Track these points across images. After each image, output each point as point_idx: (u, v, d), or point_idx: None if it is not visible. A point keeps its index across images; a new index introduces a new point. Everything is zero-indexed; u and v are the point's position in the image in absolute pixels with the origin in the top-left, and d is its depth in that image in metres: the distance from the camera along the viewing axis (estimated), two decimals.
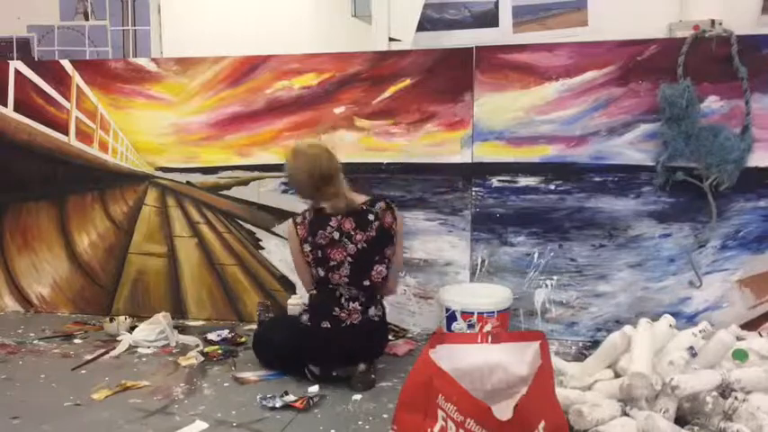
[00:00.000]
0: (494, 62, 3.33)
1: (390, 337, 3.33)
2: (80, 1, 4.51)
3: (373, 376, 2.82)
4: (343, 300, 2.80)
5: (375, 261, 2.81)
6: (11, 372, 3.00)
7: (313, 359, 2.84)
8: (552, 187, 3.33)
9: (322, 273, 2.80)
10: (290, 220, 2.89)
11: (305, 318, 2.86)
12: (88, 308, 3.90)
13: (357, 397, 2.68)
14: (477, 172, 3.38)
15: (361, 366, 2.80)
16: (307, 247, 2.81)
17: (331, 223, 2.78)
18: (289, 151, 2.93)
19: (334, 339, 2.79)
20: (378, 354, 2.94)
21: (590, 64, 3.24)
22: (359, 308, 2.81)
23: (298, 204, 3.59)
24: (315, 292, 2.89)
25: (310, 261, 2.83)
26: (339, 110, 3.49)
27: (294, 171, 2.86)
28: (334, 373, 2.80)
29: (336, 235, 2.77)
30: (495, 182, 3.38)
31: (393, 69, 3.43)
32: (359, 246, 2.78)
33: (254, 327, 3.48)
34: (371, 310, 2.84)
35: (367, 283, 2.80)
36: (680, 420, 2.27)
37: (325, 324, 2.79)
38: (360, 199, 2.85)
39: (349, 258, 2.77)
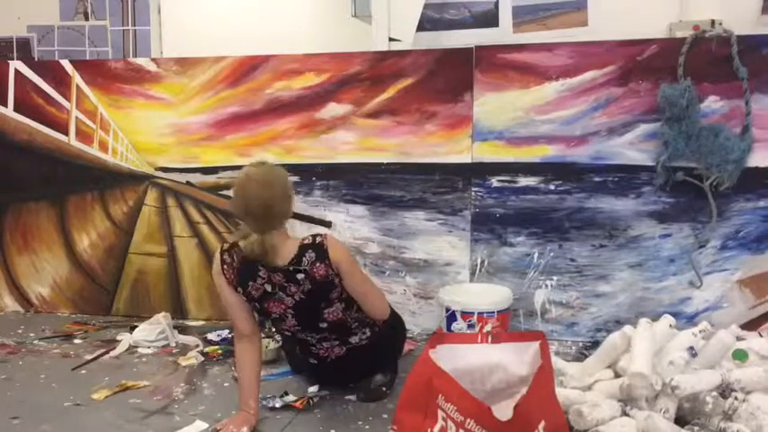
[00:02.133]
0: (494, 62, 3.33)
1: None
2: (80, 1, 4.52)
3: (385, 389, 2.65)
4: (313, 341, 2.60)
5: (322, 308, 2.50)
6: (11, 372, 3.00)
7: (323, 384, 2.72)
8: (552, 187, 3.33)
9: (268, 324, 2.64)
10: (218, 254, 2.50)
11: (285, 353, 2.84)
12: (88, 308, 3.90)
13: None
14: (476, 172, 3.38)
15: (378, 378, 2.64)
16: (241, 296, 2.49)
17: (260, 274, 2.44)
18: (245, 173, 2.45)
19: (331, 371, 2.65)
20: (391, 361, 2.74)
21: (590, 64, 3.24)
22: (336, 343, 2.60)
23: (297, 204, 3.60)
24: (247, 334, 2.51)
25: (250, 308, 2.52)
26: (338, 110, 3.49)
27: (238, 194, 2.43)
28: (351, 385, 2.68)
29: (269, 287, 2.46)
30: (494, 182, 3.38)
31: (393, 69, 3.43)
32: (296, 297, 2.46)
33: None
34: (354, 339, 2.60)
35: (324, 325, 2.53)
36: (680, 420, 2.27)
37: (313, 360, 2.66)
38: (289, 249, 2.44)
39: (290, 311, 2.50)
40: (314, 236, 2.48)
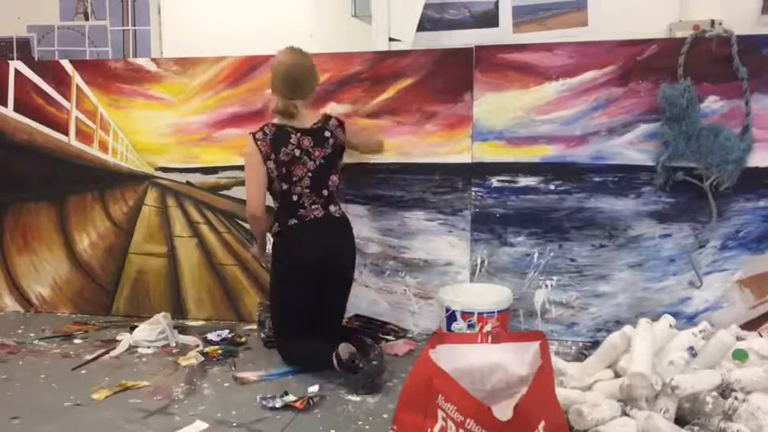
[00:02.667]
0: (494, 62, 3.33)
1: (390, 338, 3.34)
2: (80, 1, 4.52)
3: (376, 380, 2.74)
4: (304, 202, 3.03)
5: (331, 173, 3.09)
6: (11, 372, 3.00)
7: (290, 262, 3.02)
8: (552, 187, 3.33)
9: (285, 186, 3.02)
10: (249, 135, 3.05)
11: (274, 228, 3.10)
12: (88, 308, 3.90)
13: (356, 398, 2.67)
14: (476, 172, 3.38)
15: (350, 349, 2.77)
16: (270, 165, 3.01)
17: (291, 140, 3.01)
18: (281, 50, 3.10)
19: (302, 234, 3.02)
20: (348, 262, 3.13)
21: (590, 64, 3.24)
22: (319, 205, 3.05)
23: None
24: (261, 211, 3.07)
25: (275, 177, 3.01)
26: (338, 110, 3.49)
27: (277, 68, 3.06)
28: (355, 361, 2.73)
29: (297, 152, 3.01)
30: (494, 182, 3.38)
31: (393, 69, 3.43)
32: (317, 162, 3.04)
33: (254, 327, 3.48)
34: (332, 207, 3.09)
35: (325, 192, 3.06)
36: (680, 420, 2.27)
37: (292, 221, 3.03)
38: (314, 118, 3.11)
39: (309, 174, 3.02)
40: (329, 114, 3.20)
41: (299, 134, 3.02)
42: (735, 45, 3.07)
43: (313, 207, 3.04)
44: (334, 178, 3.10)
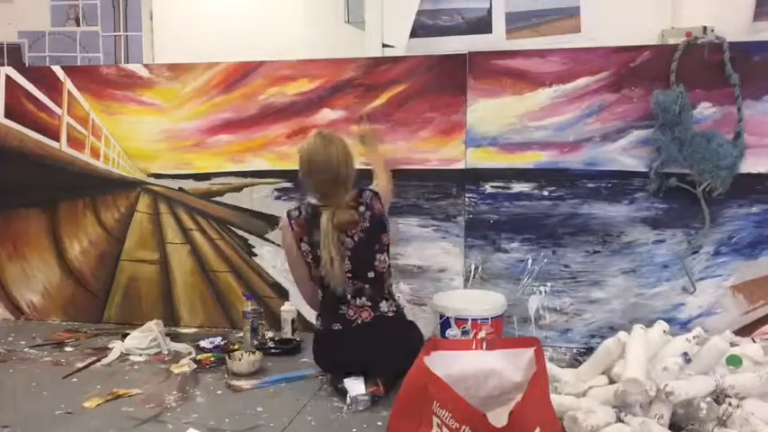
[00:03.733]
0: (487, 68, 3.34)
1: None
2: (71, 7, 4.50)
3: (376, 397, 2.63)
4: (348, 296, 2.79)
5: (375, 250, 2.81)
6: (1, 380, 2.97)
7: (325, 366, 2.88)
8: (546, 193, 3.33)
9: (323, 271, 2.78)
10: (285, 215, 2.90)
11: (317, 323, 2.90)
12: (79, 315, 3.87)
13: (358, 398, 2.64)
14: (470, 178, 3.38)
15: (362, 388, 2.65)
16: (305, 247, 2.83)
17: (323, 219, 2.77)
18: (312, 138, 2.88)
19: (346, 343, 2.78)
20: (396, 366, 2.53)
21: (583, 70, 3.25)
22: (367, 303, 2.79)
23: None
24: (312, 293, 2.93)
25: (310, 261, 2.84)
26: (331, 116, 3.49)
27: (308, 161, 2.84)
28: (340, 386, 2.71)
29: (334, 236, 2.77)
30: (488, 188, 3.38)
31: (386, 75, 3.43)
32: (355, 238, 2.78)
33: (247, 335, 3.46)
34: (383, 305, 2.81)
35: (371, 274, 2.80)
36: (674, 426, 2.27)
37: (336, 326, 2.81)
38: (350, 196, 2.84)
39: (348, 252, 2.78)
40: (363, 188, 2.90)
41: (330, 209, 2.79)
42: (727, 52, 3.09)
43: (358, 303, 2.79)
44: (382, 258, 2.83)
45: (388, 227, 2.90)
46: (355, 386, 2.66)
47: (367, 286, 2.80)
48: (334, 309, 2.82)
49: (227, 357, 3.06)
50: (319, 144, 2.83)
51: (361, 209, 2.80)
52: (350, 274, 2.78)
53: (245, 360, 3.03)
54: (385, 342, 2.76)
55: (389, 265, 2.88)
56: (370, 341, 2.76)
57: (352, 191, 2.85)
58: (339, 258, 2.75)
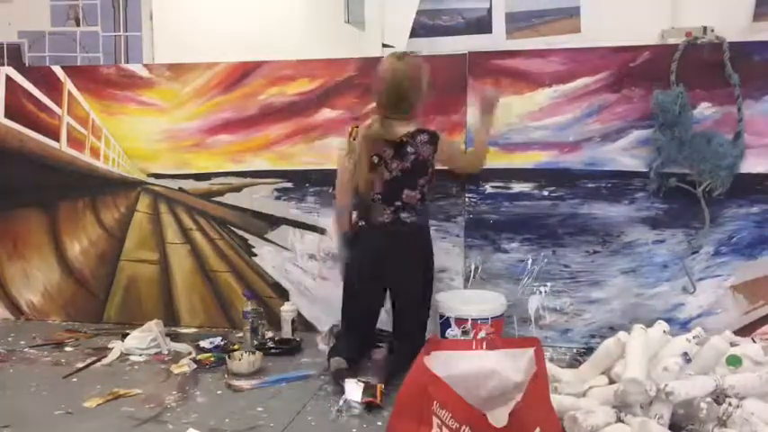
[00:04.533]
0: (487, 68, 3.34)
1: (384, 344, 3.29)
2: (71, 7, 4.49)
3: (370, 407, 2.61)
4: (375, 209, 2.99)
5: (407, 186, 2.97)
6: (1, 380, 2.97)
7: (351, 264, 3.06)
8: (546, 193, 3.33)
9: (254, 338, 3.13)
10: (351, 126, 3.08)
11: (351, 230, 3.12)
12: (79, 315, 3.87)
13: (351, 404, 2.64)
14: (470, 178, 3.38)
15: (340, 365, 2.83)
16: (374, 159, 2.97)
17: (375, 147, 2.95)
18: (390, 57, 3.01)
19: (368, 237, 3.00)
20: (410, 267, 3.01)
21: (583, 70, 3.25)
22: (390, 209, 2.98)
23: (290, 210, 3.59)
24: (345, 203, 3.10)
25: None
26: (331, 116, 3.49)
27: (386, 75, 2.95)
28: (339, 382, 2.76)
29: (376, 159, 2.94)
30: (488, 188, 3.38)
31: None
32: (393, 173, 2.95)
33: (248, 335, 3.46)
34: (404, 214, 2.98)
35: (398, 203, 2.97)
36: (674, 426, 2.27)
37: (362, 223, 3.04)
38: (406, 128, 2.95)
39: (381, 185, 2.96)
40: (431, 130, 3.01)
41: (382, 142, 2.95)
42: (727, 52, 3.09)
43: (383, 210, 2.99)
44: (411, 193, 2.98)
45: (430, 173, 3.01)
46: (353, 390, 2.65)
47: (393, 207, 2.98)
48: (366, 211, 3.02)
49: (227, 357, 3.06)
50: (390, 59, 2.98)
51: (409, 149, 2.94)
52: (379, 198, 2.97)
53: (244, 360, 3.03)
54: (398, 242, 2.98)
55: (420, 198, 3.01)
56: (386, 239, 2.98)
57: (411, 124, 2.98)
58: (365, 172, 2.95)
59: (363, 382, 2.68)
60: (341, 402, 2.61)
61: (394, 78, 2.91)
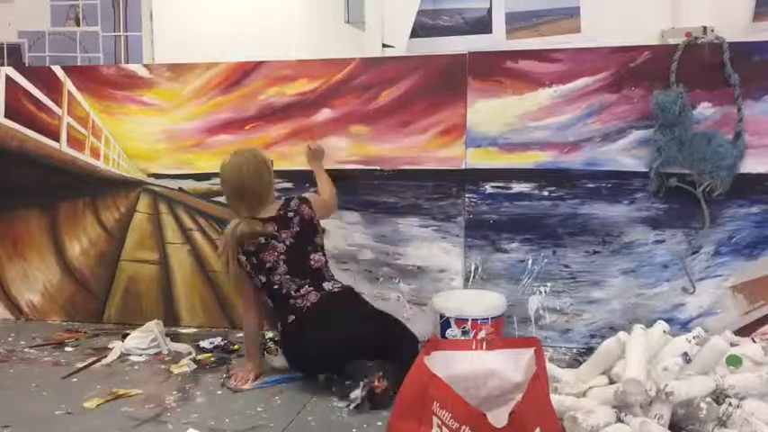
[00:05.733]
0: (487, 68, 3.33)
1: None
2: (71, 7, 4.50)
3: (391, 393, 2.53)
4: (292, 291, 2.87)
5: (309, 251, 2.94)
6: (1, 380, 2.97)
7: (302, 365, 2.88)
8: (546, 193, 3.33)
9: (264, 278, 2.89)
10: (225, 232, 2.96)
11: (275, 331, 3.04)
12: (79, 315, 3.87)
13: (352, 404, 2.64)
14: (470, 178, 3.38)
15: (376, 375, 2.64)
16: (242, 258, 2.90)
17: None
18: (228, 157, 3.00)
19: (305, 329, 2.80)
20: (371, 332, 2.79)
21: (583, 70, 3.25)
22: (310, 288, 2.88)
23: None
24: (249, 311, 3.00)
25: (249, 270, 2.91)
26: (331, 116, 3.50)
27: (223, 179, 2.99)
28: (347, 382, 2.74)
29: (262, 239, 2.88)
30: (488, 188, 3.38)
31: (386, 76, 3.43)
32: (287, 242, 2.89)
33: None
34: (326, 285, 2.92)
35: (308, 271, 2.91)
36: (674, 426, 2.27)
37: (291, 318, 2.85)
38: (275, 206, 2.96)
39: (282, 257, 2.88)
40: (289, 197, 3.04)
41: (262, 223, 2.89)
42: (727, 52, 3.09)
43: (302, 292, 2.87)
44: (316, 257, 2.95)
45: (320, 228, 3.03)
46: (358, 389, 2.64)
47: (307, 280, 2.90)
48: (285, 306, 2.88)
49: (265, 354, 3.07)
50: (231, 161, 2.95)
51: (290, 214, 2.93)
52: (288, 275, 2.88)
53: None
54: (341, 315, 2.83)
55: (326, 259, 3.00)
56: (325, 318, 2.80)
57: (275, 202, 2.99)
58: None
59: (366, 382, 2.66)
60: (351, 398, 2.61)
61: (235, 180, 2.92)
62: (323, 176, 3.33)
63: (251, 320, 3.00)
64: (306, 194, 3.12)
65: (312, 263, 2.93)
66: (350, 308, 2.90)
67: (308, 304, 2.85)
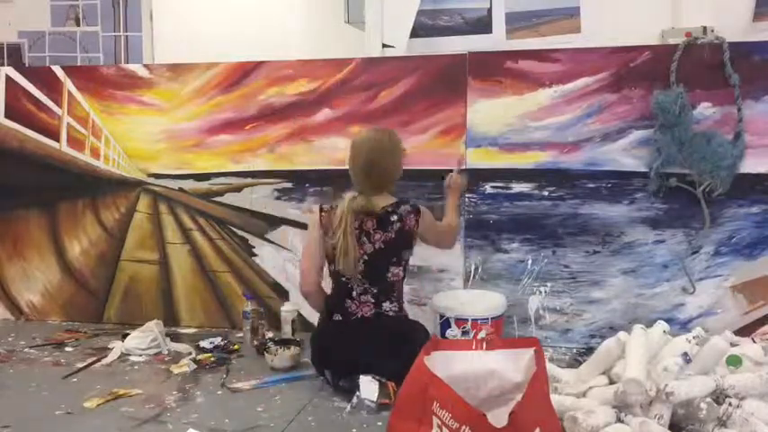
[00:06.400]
0: (487, 68, 3.34)
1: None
2: (71, 7, 4.50)
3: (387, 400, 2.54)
4: (354, 293, 2.80)
5: (391, 263, 2.82)
6: (1, 380, 2.97)
7: (320, 360, 2.85)
8: (546, 194, 3.33)
9: (339, 266, 2.78)
10: (317, 208, 2.91)
11: (319, 319, 2.95)
12: (79, 315, 3.87)
13: (366, 402, 2.61)
14: (470, 178, 3.38)
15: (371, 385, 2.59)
16: (328, 240, 2.80)
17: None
18: (366, 130, 2.98)
19: (343, 333, 2.78)
20: (392, 367, 2.54)
21: (583, 70, 3.25)
22: (371, 300, 2.80)
23: (290, 211, 3.60)
24: (313, 288, 2.91)
25: (329, 254, 2.83)
26: (331, 116, 3.50)
27: (358, 150, 2.85)
28: (341, 383, 2.74)
29: (356, 232, 2.77)
30: (488, 188, 3.38)
31: (386, 75, 3.43)
32: (376, 246, 2.78)
33: (248, 335, 3.45)
34: (386, 305, 2.81)
35: (382, 281, 2.81)
36: (674, 426, 2.27)
37: (337, 316, 2.83)
38: (385, 201, 2.83)
39: (365, 257, 2.78)
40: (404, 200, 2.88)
41: (362, 214, 2.78)
42: (727, 52, 3.09)
43: (362, 300, 2.80)
44: (396, 270, 2.82)
45: (414, 244, 2.88)
46: (368, 389, 2.59)
47: (375, 289, 2.81)
48: (340, 302, 2.83)
49: (265, 354, 3.07)
50: (371, 135, 2.89)
51: (393, 218, 2.79)
52: (360, 275, 2.78)
53: (286, 354, 3.05)
54: (382, 340, 2.73)
55: (405, 275, 2.89)
56: (367, 337, 2.75)
57: (390, 197, 2.86)
58: (353, 244, 2.74)
59: (377, 380, 2.62)
60: (354, 401, 2.58)
61: (370, 152, 2.81)
62: (452, 207, 3.13)
63: (319, 298, 2.93)
64: (423, 207, 2.89)
65: (390, 275, 2.82)
66: (385, 339, 2.74)
67: (359, 315, 2.80)
